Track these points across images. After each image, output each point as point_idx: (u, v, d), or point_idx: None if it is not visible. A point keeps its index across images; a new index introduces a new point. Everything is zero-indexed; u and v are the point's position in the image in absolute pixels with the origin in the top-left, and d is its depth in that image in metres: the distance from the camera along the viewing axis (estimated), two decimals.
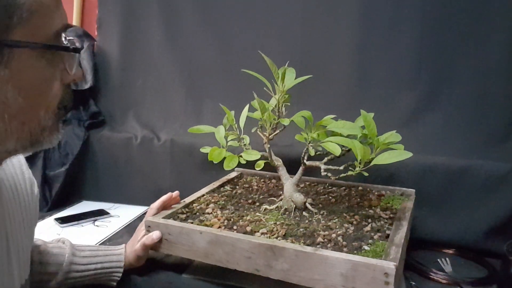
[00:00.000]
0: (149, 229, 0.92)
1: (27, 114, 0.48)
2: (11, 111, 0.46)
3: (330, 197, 1.11)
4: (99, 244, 1.16)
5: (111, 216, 1.37)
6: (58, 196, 1.46)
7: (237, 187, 1.18)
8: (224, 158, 0.99)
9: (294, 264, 0.78)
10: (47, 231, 1.24)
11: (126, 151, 1.48)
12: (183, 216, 0.97)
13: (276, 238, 0.85)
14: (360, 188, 1.17)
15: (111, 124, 1.57)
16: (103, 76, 1.57)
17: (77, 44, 0.53)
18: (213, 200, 1.06)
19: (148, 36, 1.50)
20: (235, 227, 0.91)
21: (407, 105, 1.29)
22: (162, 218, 0.93)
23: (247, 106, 1.01)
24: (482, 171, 1.15)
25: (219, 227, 0.90)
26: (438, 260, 1.09)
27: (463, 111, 1.24)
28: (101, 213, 1.38)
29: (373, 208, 1.03)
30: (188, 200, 1.04)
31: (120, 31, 1.53)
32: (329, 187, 1.20)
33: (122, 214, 1.39)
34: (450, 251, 1.16)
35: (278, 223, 0.92)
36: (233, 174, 1.27)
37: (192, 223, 0.92)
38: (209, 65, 1.46)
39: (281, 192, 1.12)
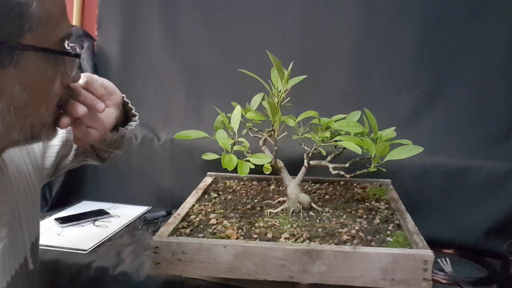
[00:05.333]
0: (157, 250, 0.82)
1: (30, 108, 0.54)
2: (17, 105, 0.52)
3: (322, 194, 1.12)
4: (100, 243, 1.17)
5: (111, 216, 1.37)
6: (58, 196, 1.46)
7: (221, 193, 1.15)
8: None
9: (332, 265, 0.78)
10: (47, 231, 1.24)
11: (126, 151, 1.48)
12: (187, 230, 0.91)
13: (302, 241, 0.85)
14: (342, 182, 1.20)
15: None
16: (103, 76, 1.54)
17: (78, 50, 0.59)
18: (209, 210, 1.03)
19: (148, 36, 1.50)
20: (254, 236, 0.87)
21: (407, 105, 1.30)
22: (168, 236, 0.85)
23: (239, 108, 0.97)
24: (482, 171, 1.16)
25: (237, 237, 0.87)
26: (438, 260, 1.09)
27: (463, 111, 1.24)
28: (101, 213, 1.38)
29: (366, 200, 1.06)
30: (182, 212, 0.99)
31: (120, 31, 1.53)
32: (313, 184, 1.21)
33: (122, 214, 1.39)
34: (450, 251, 1.16)
35: (294, 225, 0.92)
36: (208, 180, 1.23)
37: (203, 237, 0.87)
38: (209, 65, 1.46)
39: (271, 194, 1.13)
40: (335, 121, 0.96)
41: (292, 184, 0.99)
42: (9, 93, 0.50)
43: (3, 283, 0.64)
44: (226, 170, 0.89)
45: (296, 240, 0.85)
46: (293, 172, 1.02)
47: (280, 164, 1.01)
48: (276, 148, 0.97)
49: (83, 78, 0.67)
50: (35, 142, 0.59)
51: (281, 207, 1.00)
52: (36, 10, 0.49)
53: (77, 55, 0.57)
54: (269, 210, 1.00)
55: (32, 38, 0.50)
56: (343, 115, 1.00)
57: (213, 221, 0.95)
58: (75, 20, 1.60)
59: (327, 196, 1.10)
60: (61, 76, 0.57)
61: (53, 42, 0.53)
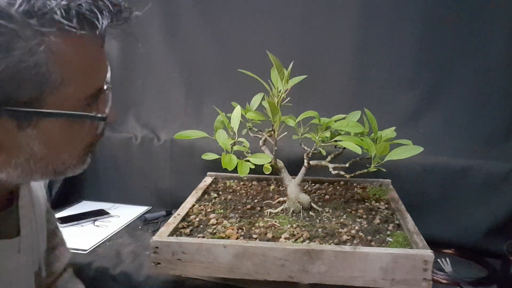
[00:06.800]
0: (156, 250, 0.82)
1: (51, 158, 0.52)
2: (37, 158, 0.50)
3: (322, 194, 1.12)
4: (100, 243, 1.17)
5: (111, 216, 1.37)
6: (58, 196, 1.46)
7: (221, 193, 1.15)
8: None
9: (332, 265, 0.78)
10: None
11: (126, 151, 1.48)
12: (187, 230, 0.91)
13: (302, 241, 0.85)
14: (342, 182, 1.20)
15: (111, 124, 1.56)
16: None
17: (106, 111, 0.55)
18: (209, 210, 1.03)
19: (148, 36, 1.50)
20: (254, 236, 0.87)
21: (407, 105, 1.29)
22: (168, 236, 0.86)
23: (239, 108, 0.98)
24: (482, 171, 1.16)
25: (237, 238, 0.87)
26: (438, 260, 1.09)
27: (463, 111, 1.24)
28: (101, 213, 1.38)
29: (366, 200, 1.07)
30: (182, 212, 0.99)
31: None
32: (313, 184, 1.21)
33: (122, 214, 1.39)
34: (450, 251, 1.16)
35: (294, 225, 0.92)
36: (208, 180, 1.24)
37: (203, 237, 0.87)
38: (209, 65, 1.46)
39: (271, 194, 1.13)
40: (335, 121, 0.96)
41: (292, 184, 0.99)
42: (28, 150, 0.49)
43: None
44: (226, 170, 0.88)
45: (296, 240, 0.85)
46: (293, 172, 1.02)
47: (280, 164, 1.01)
48: (276, 148, 0.97)
49: None
50: (58, 178, 0.58)
51: (281, 207, 1.00)
52: (57, 77, 0.46)
53: (102, 119, 0.54)
54: (269, 210, 1.00)
55: (54, 100, 0.47)
56: (343, 115, 1.00)
57: (213, 221, 0.95)
58: None
59: (327, 196, 1.10)
60: (92, 124, 0.54)
61: (79, 100, 0.50)
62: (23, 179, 0.53)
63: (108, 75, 0.55)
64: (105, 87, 0.54)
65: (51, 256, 0.83)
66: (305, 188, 1.17)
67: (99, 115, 0.53)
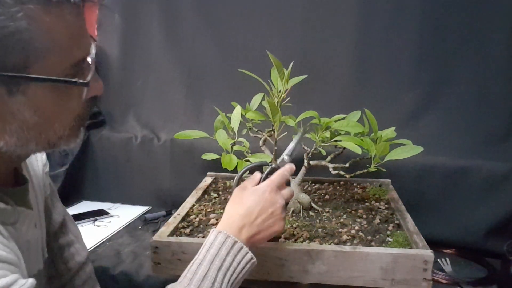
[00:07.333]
0: (156, 250, 0.82)
1: (43, 127, 0.55)
2: (29, 125, 0.53)
3: (322, 194, 1.12)
4: (100, 243, 1.17)
5: (111, 216, 1.37)
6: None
7: (221, 193, 1.15)
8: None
9: (332, 265, 0.78)
10: None
11: (126, 151, 1.48)
12: (187, 230, 0.91)
13: (302, 241, 0.85)
14: (342, 182, 1.20)
15: (111, 124, 1.57)
16: (103, 76, 1.57)
17: (88, 78, 0.56)
18: (209, 210, 1.02)
19: (148, 36, 1.50)
20: None
21: (407, 105, 1.30)
22: (168, 236, 0.86)
23: (238, 108, 0.98)
24: (482, 171, 1.16)
25: None
26: (438, 260, 1.09)
27: (463, 111, 1.25)
28: (101, 213, 1.38)
29: (366, 200, 1.06)
30: (182, 212, 0.99)
31: (120, 31, 1.53)
32: (313, 184, 1.21)
33: (122, 214, 1.39)
34: (450, 251, 1.16)
35: (294, 225, 0.92)
36: (208, 180, 1.24)
37: (203, 237, 0.87)
38: (209, 65, 1.46)
39: None
40: (335, 121, 0.96)
41: (292, 184, 0.99)
42: (20, 117, 0.52)
43: (34, 271, 0.68)
44: (226, 170, 0.88)
45: (296, 240, 0.85)
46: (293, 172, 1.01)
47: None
48: (276, 148, 0.97)
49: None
50: (54, 150, 0.61)
51: None
52: (40, 44, 0.49)
53: (84, 84, 0.56)
54: None
55: (39, 67, 0.50)
56: (343, 115, 1.00)
57: (213, 221, 0.95)
58: None
59: (327, 196, 1.10)
60: (78, 93, 0.57)
61: (64, 68, 0.53)
62: (20, 149, 0.55)
63: (93, 50, 0.57)
64: (89, 60, 0.57)
65: (67, 254, 0.84)
66: (305, 188, 1.17)
67: (81, 81, 0.56)
